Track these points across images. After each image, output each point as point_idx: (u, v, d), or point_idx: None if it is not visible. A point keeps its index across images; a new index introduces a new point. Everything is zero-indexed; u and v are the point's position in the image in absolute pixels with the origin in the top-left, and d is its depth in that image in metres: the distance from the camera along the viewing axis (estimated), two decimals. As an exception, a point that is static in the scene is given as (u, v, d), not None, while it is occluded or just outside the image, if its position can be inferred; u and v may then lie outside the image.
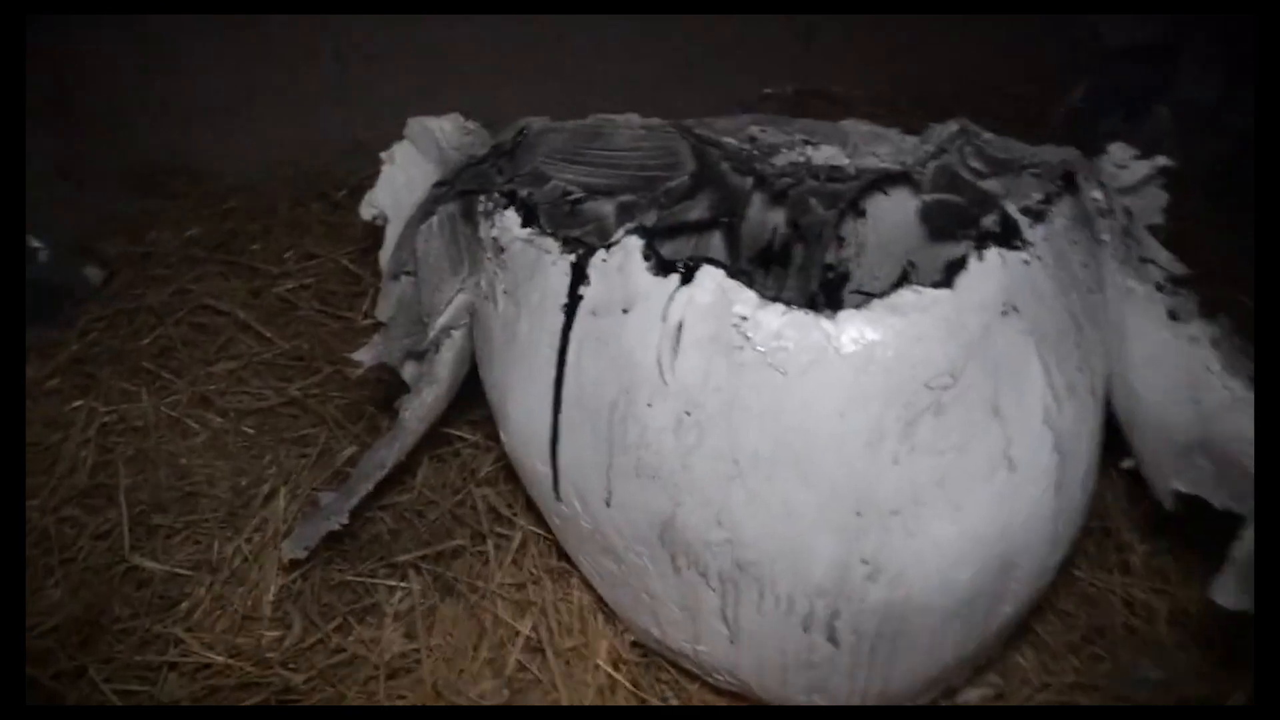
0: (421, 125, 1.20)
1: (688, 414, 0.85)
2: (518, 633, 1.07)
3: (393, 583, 1.12)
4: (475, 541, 1.17)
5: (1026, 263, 0.87)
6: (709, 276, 0.84)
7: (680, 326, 0.84)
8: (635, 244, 0.86)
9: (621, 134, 1.19)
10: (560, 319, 0.91)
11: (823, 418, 0.82)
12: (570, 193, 1.22)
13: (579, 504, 0.96)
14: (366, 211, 1.23)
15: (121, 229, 1.72)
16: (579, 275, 0.89)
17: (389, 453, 1.05)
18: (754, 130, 1.19)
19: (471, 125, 1.17)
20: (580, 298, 0.89)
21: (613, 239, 0.88)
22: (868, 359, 0.82)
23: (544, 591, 1.11)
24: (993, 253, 0.85)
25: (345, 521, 1.04)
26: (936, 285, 0.84)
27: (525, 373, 0.95)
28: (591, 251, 0.89)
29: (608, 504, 0.93)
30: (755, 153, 1.17)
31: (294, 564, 1.11)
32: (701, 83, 1.96)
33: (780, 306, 0.82)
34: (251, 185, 1.82)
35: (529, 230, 0.94)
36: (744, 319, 0.82)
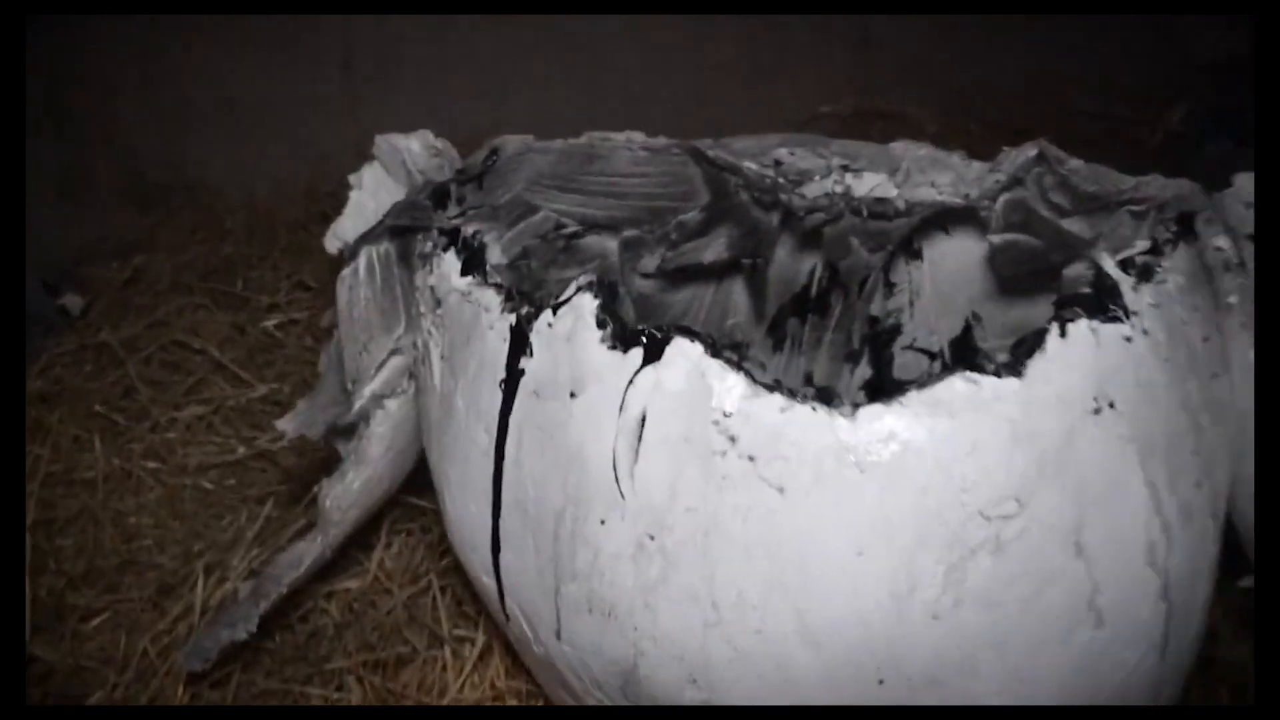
0: (390, 144, 0.98)
1: (651, 538, 0.60)
2: (467, 769, 0.84)
3: (326, 692, 0.90)
4: (431, 644, 0.93)
5: (1129, 340, 0.61)
6: (682, 354, 0.59)
7: (642, 420, 0.60)
8: (588, 305, 0.62)
9: (621, 156, 0.95)
10: (498, 398, 0.67)
11: (834, 554, 0.57)
12: (563, 225, 0.99)
13: (528, 629, 0.72)
14: (332, 245, 1.00)
15: (114, 251, 1.54)
16: (519, 342, 0.65)
17: (309, 548, 0.82)
18: (781, 153, 0.93)
19: (440, 144, 0.94)
20: (521, 372, 0.66)
21: (560, 296, 0.64)
22: (899, 476, 0.56)
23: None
24: (1081, 326, 0.59)
25: (253, 630, 0.82)
26: (1002, 370, 0.58)
27: (462, 461, 0.72)
28: (536, 312, 0.65)
29: (558, 636, 0.69)
30: (781, 181, 0.92)
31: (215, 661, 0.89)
32: (748, 97, 1.70)
33: (778, 398, 0.57)
34: (254, 204, 1.62)
35: (469, 280, 0.71)
36: (727, 415, 0.58)
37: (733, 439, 0.57)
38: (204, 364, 1.31)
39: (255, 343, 1.36)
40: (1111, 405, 0.59)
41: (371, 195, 1.00)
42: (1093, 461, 0.59)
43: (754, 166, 0.91)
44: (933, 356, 1.06)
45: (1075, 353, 0.58)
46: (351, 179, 1.01)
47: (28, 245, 1.42)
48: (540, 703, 0.88)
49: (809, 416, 0.56)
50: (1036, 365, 0.57)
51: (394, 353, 0.79)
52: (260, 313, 1.41)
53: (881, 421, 0.56)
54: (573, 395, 0.62)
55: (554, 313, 0.63)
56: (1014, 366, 0.57)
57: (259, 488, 1.16)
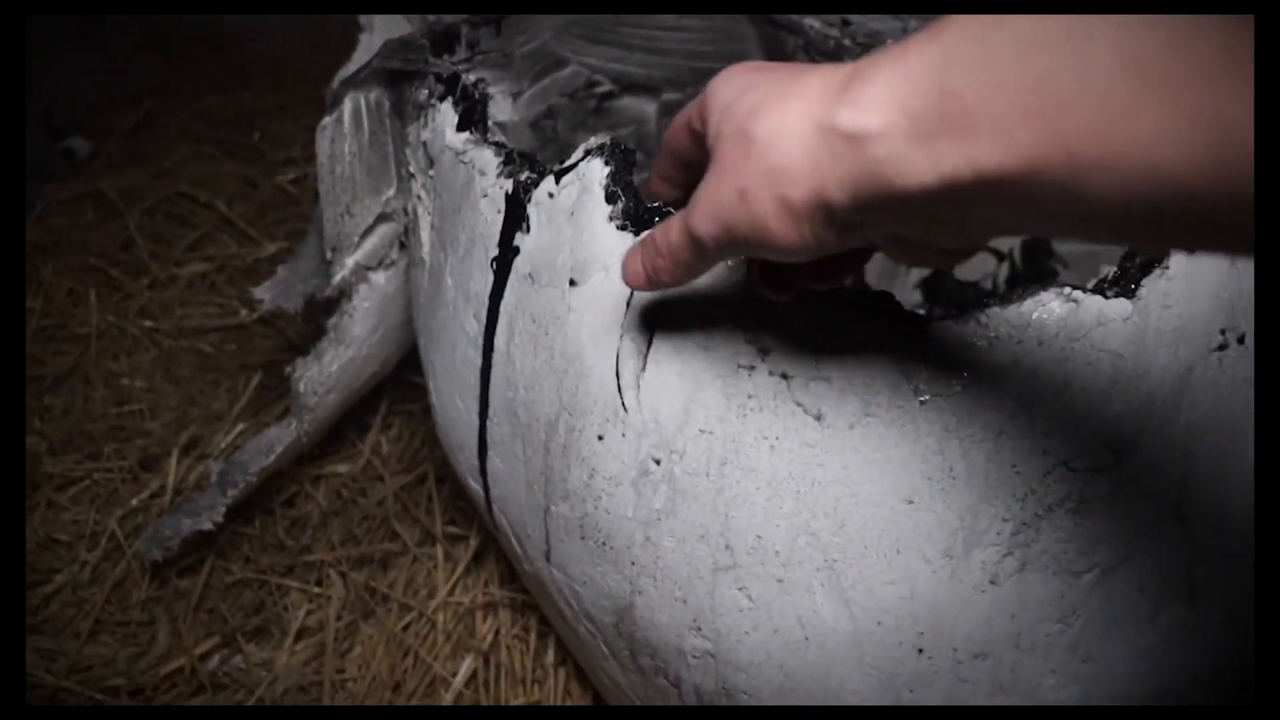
0: (403, -19, 0.85)
1: (656, 462, 0.49)
2: (452, 677, 0.75)
3: (305, 586, 0.81)
4: (423, 541, 0.84)
5: (1271, 259, 0.47)
6: (708, 241, 0.47)
7: (654, 320, 0.48)
8: (596, 174, 0.49)
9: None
10: (489, 280, 0.55)
11: (878, 500, 0.46)
12: (596, 83, 0.85)
13: (516, 545, 0.62)
14: (338, 92, 0.88)
15: (131, 98, 1.42)
16: (515, 214, 0.53)
17: (282, 434, 0.72)
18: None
19: (456, -19, 0.80)
20: (515, 250, 0.54)
21: (567, 161, 0.51)
22: (969, 413, 0.44)
23: (498, 623, 0.79)
24: (1215, 239, 0.46)
25: (220, 520, 0.73)
26: (1109, 289, 0.45)
27: (449, 348, 0.61)
28: (536, 179, 0.52)
29: (547, 559, 0.59)
30: (848, 43, 0.77)
31: (185, 547, 0.81)
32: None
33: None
34: (281, 53, 1.49)
35: (464, 136, 0.58)
36: (759, 321, 0.46)
37: (763, 351, 0.45)
38: (210, 218, 1.21)
39: (267, 198, 1.25)
40: (1241, 340, 0.46)
41: (384, 39, 0.87)
42: (1208, 409, 0.46)
43: (817, 25, 0.77)
44: (1001, 257, 0.93)
45: (1206, 271, 0.45)
46: (362, 19, 0.88)
47: (39, 89, 1.32)
48: (536, 614, 0.79)
49: (862, 329, 0.44)
50: (1155, 285, 0.44)
51: (382, 218, 0.67)
52: (275, 166, 1.29)
53: (953, 343, 0.44)
54: (573, 283, 0.50)
55: (556, 180, 0.51)
56: (1126, 285, 0.44)
57: (260, 355, 1.07)
